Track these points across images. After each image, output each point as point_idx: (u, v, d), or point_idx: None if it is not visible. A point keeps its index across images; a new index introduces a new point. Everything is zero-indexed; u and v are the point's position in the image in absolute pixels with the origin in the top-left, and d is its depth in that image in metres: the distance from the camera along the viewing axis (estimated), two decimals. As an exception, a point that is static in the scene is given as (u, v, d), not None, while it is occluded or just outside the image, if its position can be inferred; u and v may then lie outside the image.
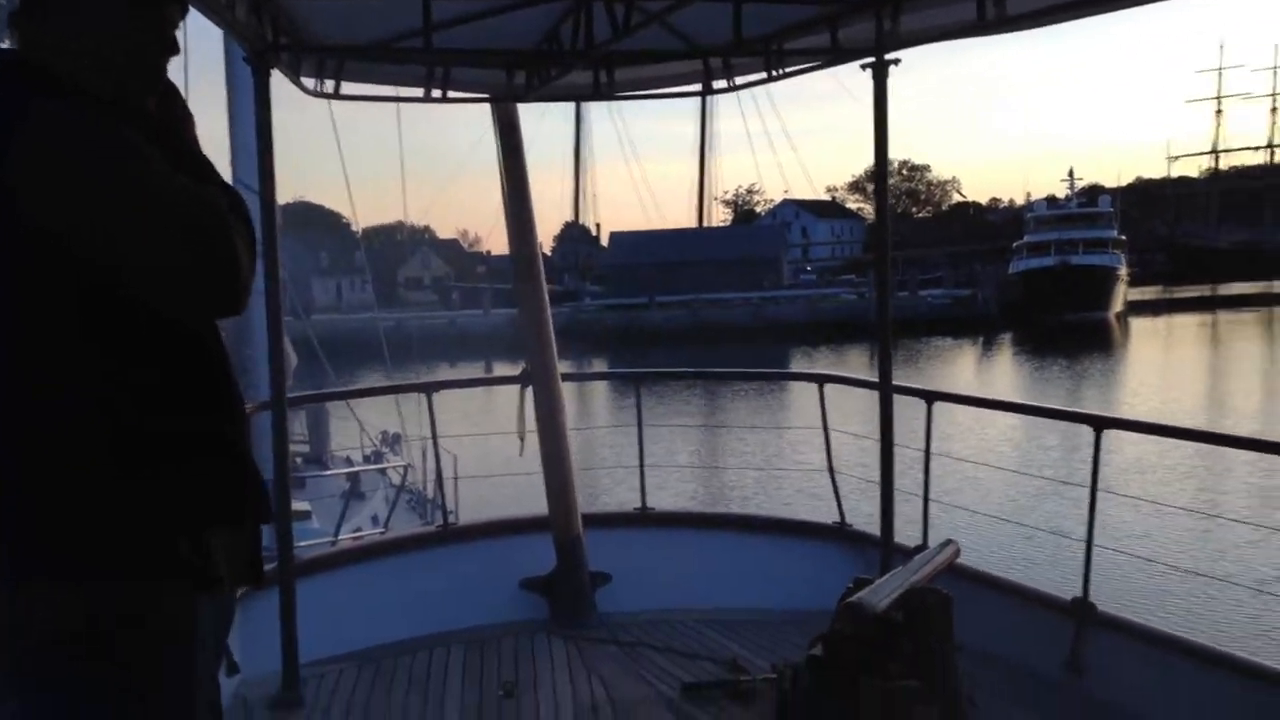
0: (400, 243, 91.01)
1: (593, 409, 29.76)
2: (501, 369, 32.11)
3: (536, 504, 6.95)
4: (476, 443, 9.39)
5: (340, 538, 9.89)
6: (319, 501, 12.01)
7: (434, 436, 7.12)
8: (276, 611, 5.47)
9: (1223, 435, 7.32)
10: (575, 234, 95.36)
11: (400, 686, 5.75)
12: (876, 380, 6.06)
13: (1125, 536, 13.93)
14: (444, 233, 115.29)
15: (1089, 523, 5.50)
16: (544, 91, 6.35)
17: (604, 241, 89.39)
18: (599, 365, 44.28)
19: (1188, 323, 63.06)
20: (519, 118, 6.60)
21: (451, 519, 7.17)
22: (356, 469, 13.57)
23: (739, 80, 6.38)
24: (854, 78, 6.57)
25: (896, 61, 5.51)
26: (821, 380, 7.36)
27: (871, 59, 5.54)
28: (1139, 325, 61.39)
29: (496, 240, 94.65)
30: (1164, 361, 44.54)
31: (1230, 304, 75.27)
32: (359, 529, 11.35)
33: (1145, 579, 12.19)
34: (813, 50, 5.90)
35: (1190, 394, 32.88)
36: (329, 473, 13.54)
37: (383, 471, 14.27)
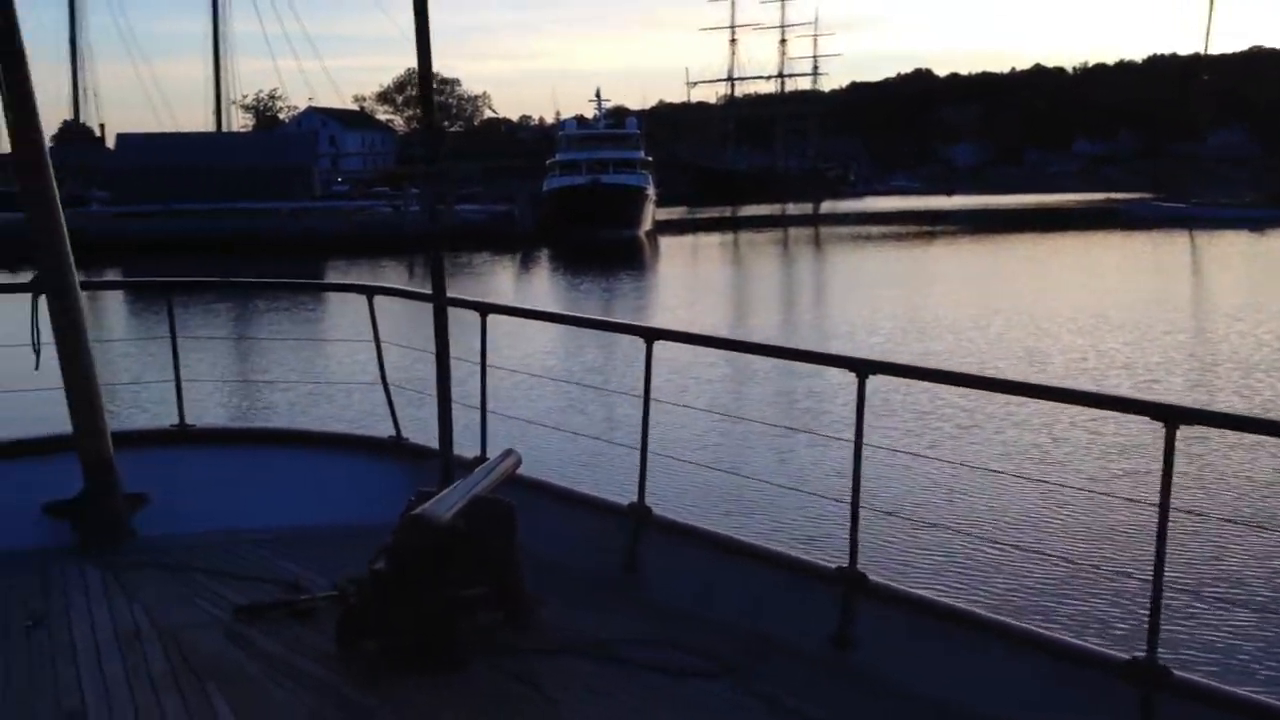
0: None
1: (113, 321, 27.64)
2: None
3: (58, 423, 6.49)
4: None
5: None
6: None
7: None
8: None
9: (758, 344, 8.23)
10: (75, 134, 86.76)
11: None
12: (429, 293, 6.01)
13: (677, 443, 13.81)
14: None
15: (643, 430, 5.71)
16: None
17: (110, 144, 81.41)
18: (114, 275, 39.80)
19: (711, 241, 67.63)
20: None
21: None
22: None
23: None
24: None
25: None
26: (371, 292, 7.33)
27: None
28: (668, 243, 65.07)
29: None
30: (693, 276, 46.97)
31: (748, 224, 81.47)
32: None
33: (696, 482, 12.17)
34: None
35: (719, 306, 34.59)
36: None
37: None
